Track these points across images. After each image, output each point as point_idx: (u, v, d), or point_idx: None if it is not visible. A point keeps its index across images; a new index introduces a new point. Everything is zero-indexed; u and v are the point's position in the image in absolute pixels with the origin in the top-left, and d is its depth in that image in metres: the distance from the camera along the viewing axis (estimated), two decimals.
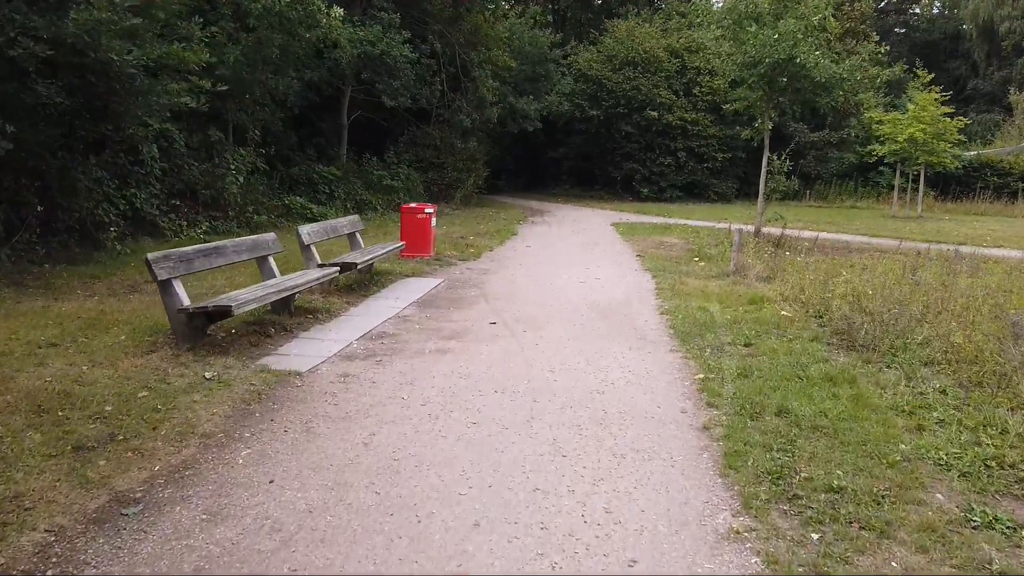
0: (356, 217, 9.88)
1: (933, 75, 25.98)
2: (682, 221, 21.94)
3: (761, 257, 12.43)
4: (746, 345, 6.58)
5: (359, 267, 7.96)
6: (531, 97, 27.90)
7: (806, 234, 16.59)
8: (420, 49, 21.56)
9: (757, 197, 33.48)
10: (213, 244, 6.13)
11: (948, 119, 24.57)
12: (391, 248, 9.51)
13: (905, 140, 24.88)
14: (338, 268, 7.55)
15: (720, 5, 15.40)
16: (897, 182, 27.32)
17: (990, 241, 17.76)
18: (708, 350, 6.38)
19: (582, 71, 31.96)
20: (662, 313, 8.04)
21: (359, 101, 21.95)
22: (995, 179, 31.45)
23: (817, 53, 13.31)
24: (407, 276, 10.03)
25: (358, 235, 9.62)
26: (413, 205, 11.82)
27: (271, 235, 7.21)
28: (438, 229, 17.09)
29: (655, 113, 30.24)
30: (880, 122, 27.53)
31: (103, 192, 10.44)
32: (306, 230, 7.97)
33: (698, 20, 16.59)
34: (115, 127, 10.89)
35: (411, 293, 8.70)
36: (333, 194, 20.15)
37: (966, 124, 25.73)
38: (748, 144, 32.66)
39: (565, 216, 23.52)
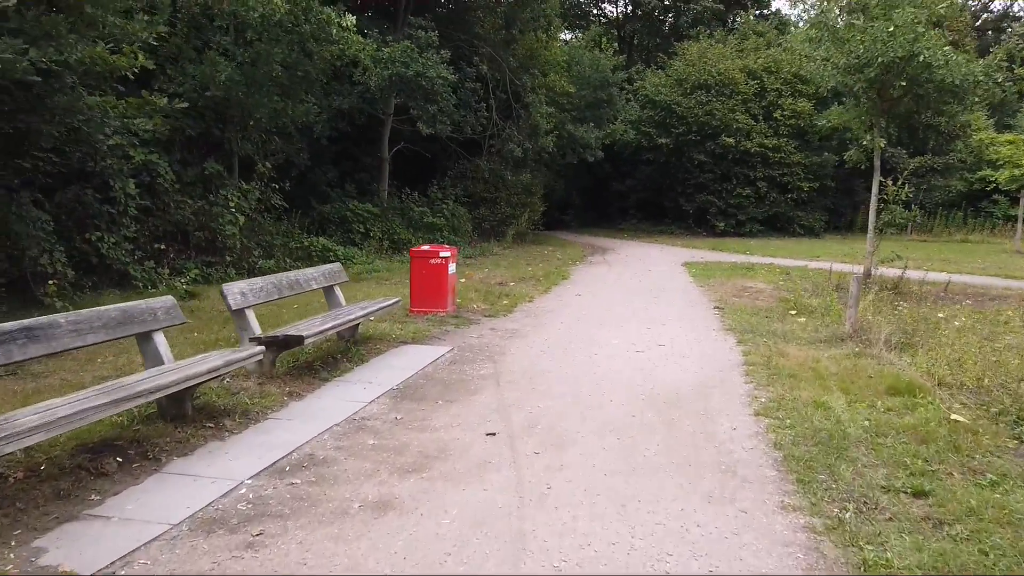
0: (336, 267, 7.45)
1: None
2: (767, 260, 18.88)
3: (882, 311, 9.44)
4: (917, 494, 3.76)
5: (309, 340, 5.52)
6: (592, 125, 25.40)
7: (930, 276, 13.31)
8: (465, 72, 19.48)
9: (848, 231, 30.10)
10: (27, 323, 3.79)
11: None
12: (374, 308, 7.03)
13: None
14: (262, 348, 5.12)
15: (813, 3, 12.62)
16: (1021, 212, 23.44)
17: None
18: (851, 507, 3.60)
19: (649, 97, 29.39)
20: (758, 414, 5.25)
21: (404, 133, 19.92)
22: None
23: (947, 48, 10.37)
24: (405, 342, 7.56)
25: (337, 289, 7.23)
26: (426, 248, 9.40)
27: (163, 300, 4.85)
28: (477, 272, 14.69)
29: (731, 140, 27.28)
30: (993, 144, 23.86)
31: (37, 236, 8.39)
32: (237, 288, 5.59)
33: (795, 11, 13.66)
34: (84, 157, 9.03)
35: (394, 373, 6.21)
36: (368, 233, 18.11)
37: None
38: (837, 171, 29.34)
39: (630, 255, 20.78)
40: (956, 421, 4.90)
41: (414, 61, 16.22)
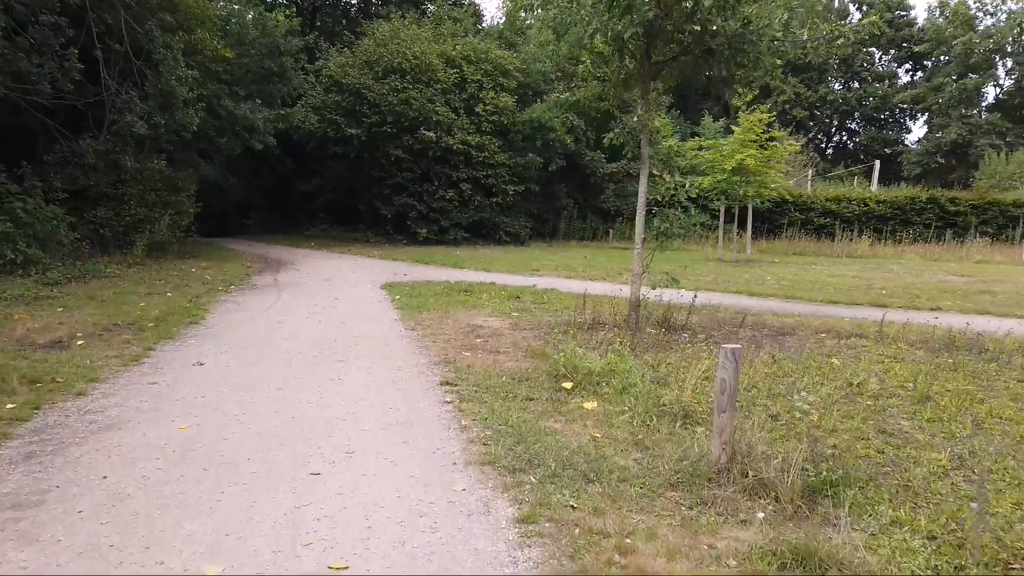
0: None
1: (757, 92, 22.06)
2: (484, 276, 15.13)
3: (712, 377, 5.78)
4: None
5: None
6: (259, 103, 19.68)
7: (716, 301, 10.37)
8: (40, 2, 12.67)
9: (552, 238, 28.28)
10: None
11: (777, 144, 20.65)
12: None
13: (732, 169, 20.51)
14: None
15: None
16: (722, 221, 23.16)
17: (903, 299, 13.04)
18: None
19: (335, 78, 24.44)
20: None
21: None
22: (798, 215, 28.95)
23: None
24: None
25: None
26: None
27: None
28: (39, 315, 8.26)
29: (432, 134, 23.54)
30: (680, 153, 23.48)
31: None
32: None
33: None
34: None
35: None
36: None
37: (799, 149, 22.13)
38: (541, 175, 27.39)
39: (314, 272, 15.66)
40: None
41: None
